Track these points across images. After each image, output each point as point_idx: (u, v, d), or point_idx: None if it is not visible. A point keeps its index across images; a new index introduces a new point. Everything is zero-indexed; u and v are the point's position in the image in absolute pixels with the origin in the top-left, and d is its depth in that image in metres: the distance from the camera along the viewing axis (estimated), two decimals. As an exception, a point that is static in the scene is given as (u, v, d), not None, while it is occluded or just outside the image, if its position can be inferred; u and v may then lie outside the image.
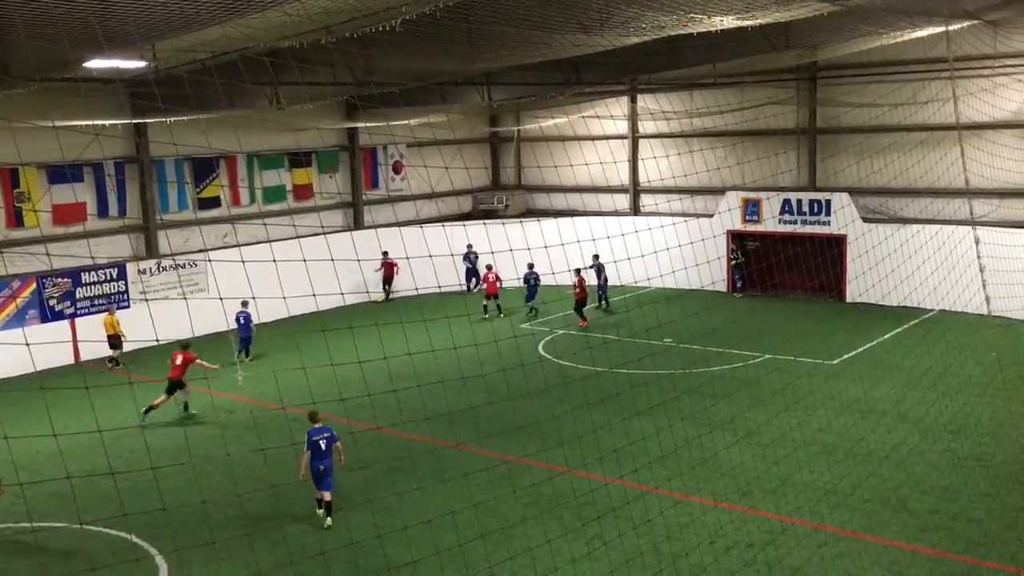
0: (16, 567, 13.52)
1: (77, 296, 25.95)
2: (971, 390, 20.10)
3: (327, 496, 14.70)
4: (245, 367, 23.79)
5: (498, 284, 30.09)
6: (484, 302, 30.06)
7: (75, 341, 25.60)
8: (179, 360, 20.28)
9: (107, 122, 24.38)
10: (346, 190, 34.32)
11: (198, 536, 13.80)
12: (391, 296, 32.90)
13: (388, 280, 32.88)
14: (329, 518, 14.62)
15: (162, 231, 28.52)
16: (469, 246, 33.17)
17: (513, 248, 33.04)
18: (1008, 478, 15.65)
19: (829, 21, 22.54)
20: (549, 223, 33.67)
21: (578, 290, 28.00)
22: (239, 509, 15.06)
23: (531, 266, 30.66)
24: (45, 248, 24.47)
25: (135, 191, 27.92)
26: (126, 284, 26.97)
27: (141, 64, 20.61)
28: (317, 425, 14.99)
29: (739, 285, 32.27)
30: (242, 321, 24.87)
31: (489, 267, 29.90)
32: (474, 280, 33.51)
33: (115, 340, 24.90)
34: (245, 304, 24.55)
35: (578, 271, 27.41)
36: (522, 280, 31.11)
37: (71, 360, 25.47)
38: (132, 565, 13.16)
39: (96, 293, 26.37)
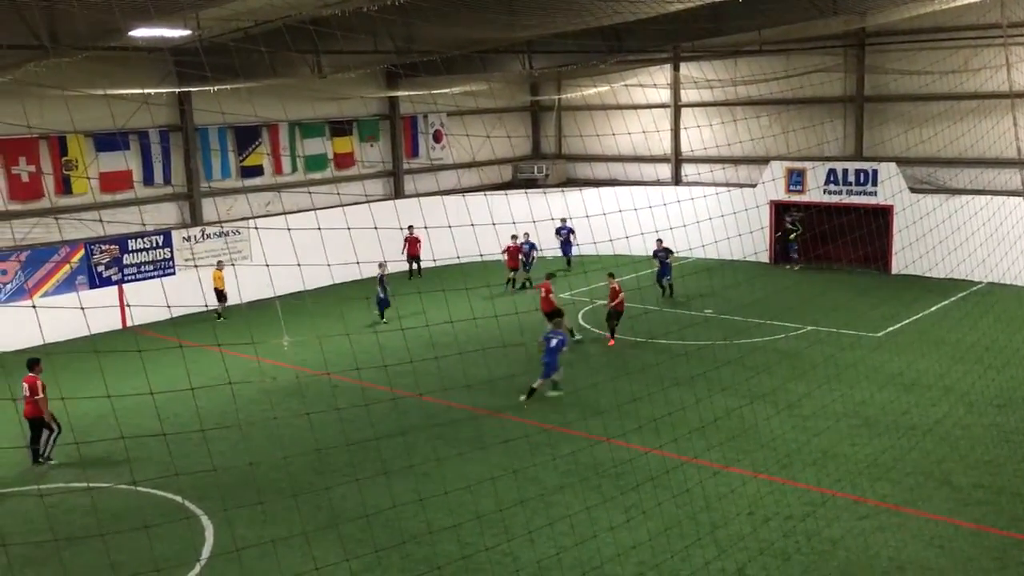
0: (70, 525, 13.94)
1: (124, 263, 26.44)
2: (1019, 363, 19.75)
3: (536, 383, 18.46)
4: (382, 326, 24.46)
5: (520, 257, 29.85)
6: (510, 275, 29.67)
7: (122, 306, 26.11)
8: (543, 292, 22.32)
9: (152, 91, 24.67)
10: (387, 159, 34.41)
11: (244, 498, 14.11)
12: (421, 271, 31.65)
13: (415, 258, 31.40)
14: (524, 397, 18.35)
15: (207, 199, 28.87)
16: (564, 220, 32.21)
17: (554, 218, 33.28)
18: (1055, 453, 15.43)
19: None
20: (590, 192, 33.55)
21: (610, 301, 23.05)
22: (284, 472, 15.35)
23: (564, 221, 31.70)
24: (99, 215, 24.93)
25: (179, 159, 28.27)
26: (172, 251, 27.41)
27: (186, 33, 20.77)
28: (557, 329, 18.90)
29: (795, 257, 31.73)
30: (379, 283, 25.39)
31: (514, 237, 29.04)
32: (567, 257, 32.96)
33: (220, 294, 26.28)
34: (382, 266, 25.14)
35: (611, 275, 23.29)
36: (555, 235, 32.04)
37: (119, 325, 26.00)
38: (181, 524, 13.50)
39: (142, 260, 26.85)
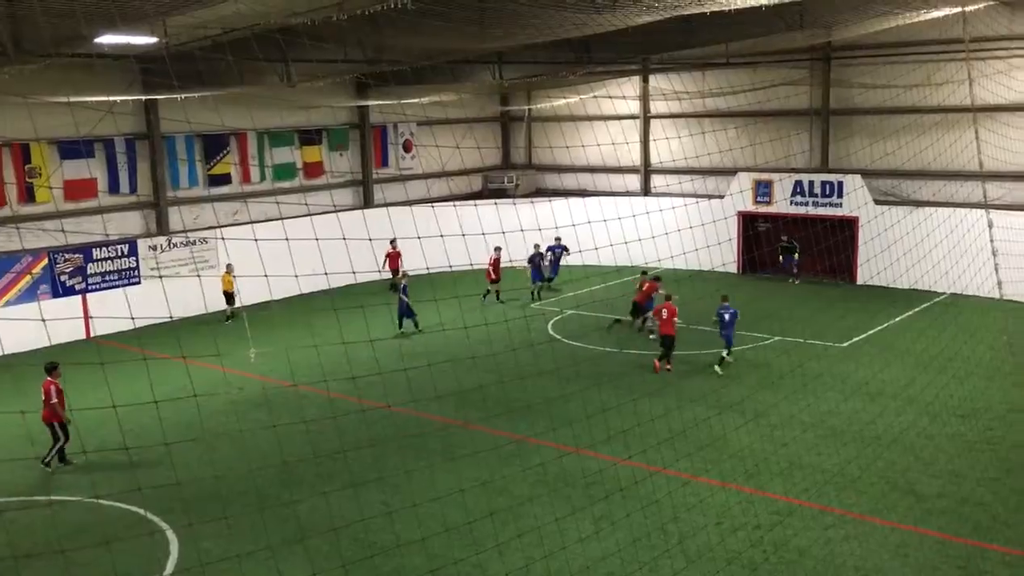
0: (30, 541, 13.65)
1: (88, 272, 26.06)
2: (981, 374, 20.07)
3: (724, 353, 20.94)
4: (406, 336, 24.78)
5: (529, 266, 29.79)
6: (488, 288, 29.39)
7: (86, 317, 25.73)
8: (645, 287, 24.37)
9: (118, 98, 24.38)
10: (356, 168, 34.27)
11: (209, 511, 13.92)
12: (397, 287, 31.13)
13: (395, 272, 30.07)
14: (718, 367, 20.76)
15: (173, 208, 28.56)
16: (558, 239, 30.80)
17: (524, 229, 33.19)
18: (1017, 462, 15.65)
19: (845, 0, 22.34)
20: (560, 203, 33.62)
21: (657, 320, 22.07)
22: (250, 485, 15.16)
23: (558, 238, 30.95)
24: (61, 225, 24.56)
25: (146, 167, 27.94)
26: (137, 260, 27.07)
27: (152, 40, 20.55)
28: (725, 304, 20.97)
29: (795, 271, 31.56)
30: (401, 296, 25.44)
31: (497, 249, 28.99)
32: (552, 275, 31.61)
33: (229, 296, 26.87)
34: (405, 276, 25.91)
35: (668, 297, 22.15)
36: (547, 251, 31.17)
37: (82, 336, 25.61)
38: (145, 539, 13.30)
39: (107, 269, 26.48)
